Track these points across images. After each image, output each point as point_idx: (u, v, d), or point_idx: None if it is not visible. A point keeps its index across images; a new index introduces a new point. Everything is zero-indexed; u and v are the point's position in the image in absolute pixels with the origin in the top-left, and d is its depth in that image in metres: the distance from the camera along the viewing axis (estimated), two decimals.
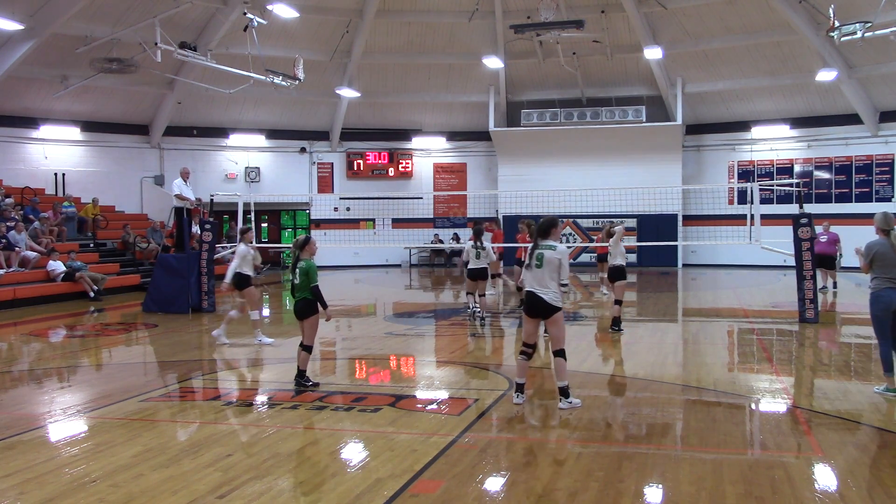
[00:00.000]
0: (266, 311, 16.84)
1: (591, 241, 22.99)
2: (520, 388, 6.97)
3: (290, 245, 7.92)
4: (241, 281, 10.67)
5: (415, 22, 24.89)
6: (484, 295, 12.86)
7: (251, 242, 10.92)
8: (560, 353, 6.76)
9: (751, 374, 8.75)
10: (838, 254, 17.67)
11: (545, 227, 6.87)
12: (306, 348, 7.87)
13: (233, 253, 11.66)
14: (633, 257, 23.61)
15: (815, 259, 16.92)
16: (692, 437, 6.13)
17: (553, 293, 6.66)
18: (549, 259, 6.66)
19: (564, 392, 6.79)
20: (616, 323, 11.30)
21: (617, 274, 11.15)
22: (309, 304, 7.79)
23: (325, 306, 7.79)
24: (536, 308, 6.74)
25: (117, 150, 24.91)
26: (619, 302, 11.28)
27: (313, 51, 24.29)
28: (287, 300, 19.47)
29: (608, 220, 21.45)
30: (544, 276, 6.67)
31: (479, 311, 12.64)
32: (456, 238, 26.85)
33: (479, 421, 6.47)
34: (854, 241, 18.60)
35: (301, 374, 7.86)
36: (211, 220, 15.25)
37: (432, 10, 24.54)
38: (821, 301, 15.45)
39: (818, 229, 17.28)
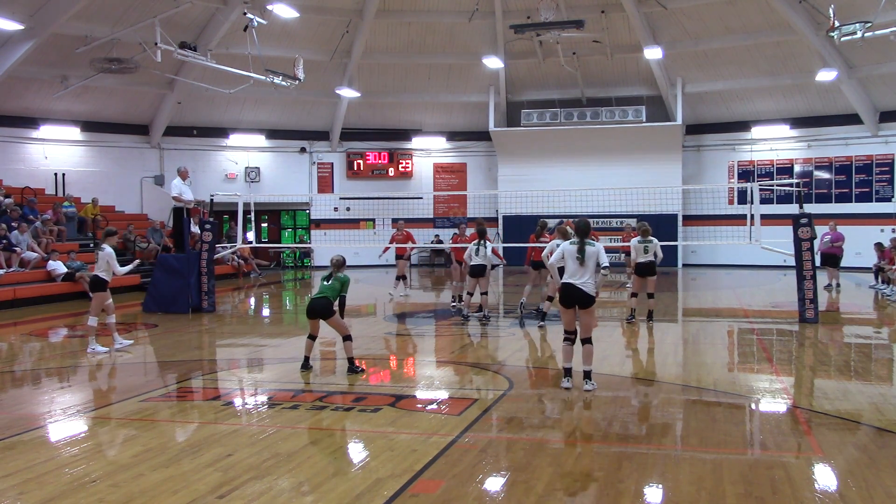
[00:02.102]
0: (266, 311, 16.87)
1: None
2: (567, 373, 7.66)
3: (330, 261, 8.87)
4: (97, 284, 10.32)
5: (415, 22, 24.89)
6: (486, 293, 12.93)
7: (114, 246, 10.73)
8: (588, 340, 7.59)
9: (751, 374, 8.75)
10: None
11: (586, 228, 7.80)
12: (347, 338, 8.60)
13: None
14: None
15: (821, 258, 17.40)
16: (692, 437, 6.13)
17: (591, 285, 7.50)
18: (590, 253, 7.57)
19: (589, 375, 7.59)
20: (650, 316, 12.48)
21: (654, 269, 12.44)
22: (327, 304, 8.43)
23: (342, 315, 8.70)
24: (574, 298, 7.53)
25: (117, 150, 24.89)
26: (651, 295, 12.47)
27: (313, 51, 24.28)
28: (287, 299, 19.48)
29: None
30: (586, 269, 7.53)
31: (465, 311, 13.04)
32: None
33: (479, 421, 6.47)
34: (855, 241, 19.00)
35: (350, 362, 8.53)
36: (211, 220, 15.24)
37: (432, 10, 24.54)
38: (826, 298, 15.65)
39: (825, 229, 17.63)
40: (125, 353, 10.20)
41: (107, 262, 10.29)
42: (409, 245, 16.91)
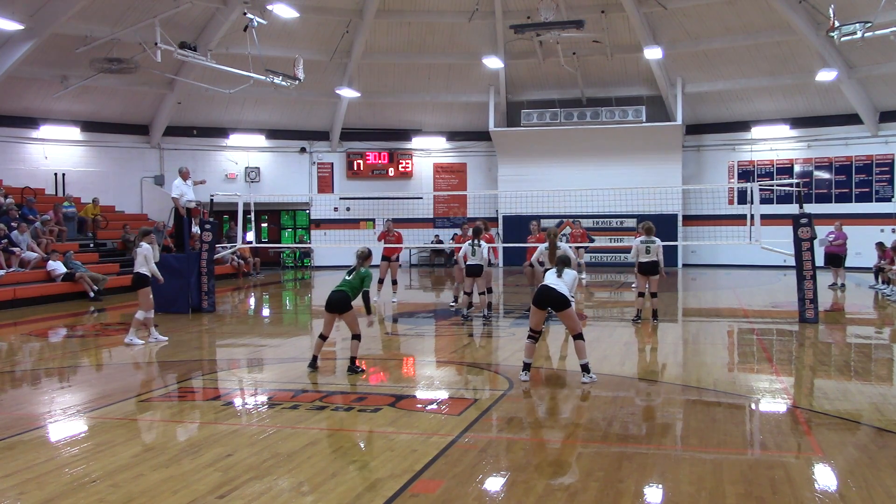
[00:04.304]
0: (266, 311, 16.87)
1: (592, 241, 23.00)
2: (526, 367, 8.02)
3: (356, 253, 8.70)
4: (140, 280, 10.76)
5: (415, 22, 24.89)
6: (484, 293, 12.93)
7: (152, 244, 11.19)
8: (579, 337, 7.94)
9: (751, 374, 8.75)
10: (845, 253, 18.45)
11: (567, 261, 8.35)
12: (356, 336, 8.51)
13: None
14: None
15: (825, 257, 17.88)
16: (692, 437, 6.13)
17: (566, 290, 7.94)
18: (567, 273, 8.17)
19: (585, 368, 7.89)
20: (654, 315, 12.51)
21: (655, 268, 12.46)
22: (346, 299, 8.39)
23: (369, 312, 8.76)
24: (548, 299, 7.85)
25: (117, 150, 24.90)
26: (654, 294, 12.59)
27: (313, 51, 24.29)
28: (287, 300, 19.48)
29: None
30: (561, 282, 8.03)
31: (464, 311, 13.00)
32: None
33: (479, 421, 6.47)
34: (855, 241, 19.33)
35: (352, 361, 8.49)
36: (211, 220, 15.24)
37: (432, 10, 24.54)
38: (832, 297, 15.79)
39: (830, 228, 18.07)
40: (134, 348, 10.46)
41: (144, 258, 10.78)
42: (400, 246, 16.08)
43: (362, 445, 5.96)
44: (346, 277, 8.51)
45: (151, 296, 10.93)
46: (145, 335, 10.92)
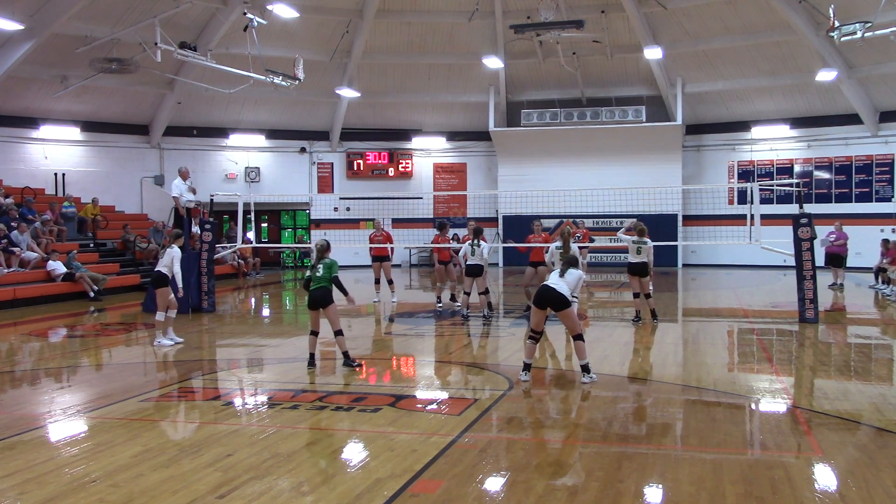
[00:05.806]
0: (266, 311, 16.87)
1: (592, 241, 23.00)
2: (527, 367, 8.00)
3: (314, 247, 9.01)
4: (160, 280, 10.77)
5: (415, 22, 24.89)
6: (483, 293, 12.94)
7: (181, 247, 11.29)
8: (578, 337, 7.93)
9: (751, 374, 8.75)
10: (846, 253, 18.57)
11: (574, 262, 8.39)
12: (338, 332, 8.71)
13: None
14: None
15: (826, 257, 17.97)
16: (692, 437, 6.13)
17: (566, 290, 7.86)
18: (571, 273, 8.12)
19: (585, 368, 7.88)
20: (654, 315, 12.44)
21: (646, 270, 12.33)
22: (326, 293, 8.58)
23: (346, 293, 8.81)
24: (548, 299, 7.80)
25: (117, 150, 24.89)
26: (648, 295, 12.38)
27: (313, 51, 24.28)
28: (287, 300, 19.46)
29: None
30: (564, 281, 7.99)
31: (464, 311, 13.05)
32: (456, 238, 26.79)
33: (479, 421, 6.47)
34: (855, 241, 19.40)
35: (346, 356, 8.69)
36: (211, 220, 15.24)
37: (432, 10, 24.54)
38: (830, 297, 15.81)
39: (830, 228, 18.15)
40: (163, 348, 10.46)
41: (172, 260, 10.81)
42: (388, 246, 15.99)
43: (362, 445, 5.96)
44: (317, 274, 8.65)
45: (172, 296, 10.83)
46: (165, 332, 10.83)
